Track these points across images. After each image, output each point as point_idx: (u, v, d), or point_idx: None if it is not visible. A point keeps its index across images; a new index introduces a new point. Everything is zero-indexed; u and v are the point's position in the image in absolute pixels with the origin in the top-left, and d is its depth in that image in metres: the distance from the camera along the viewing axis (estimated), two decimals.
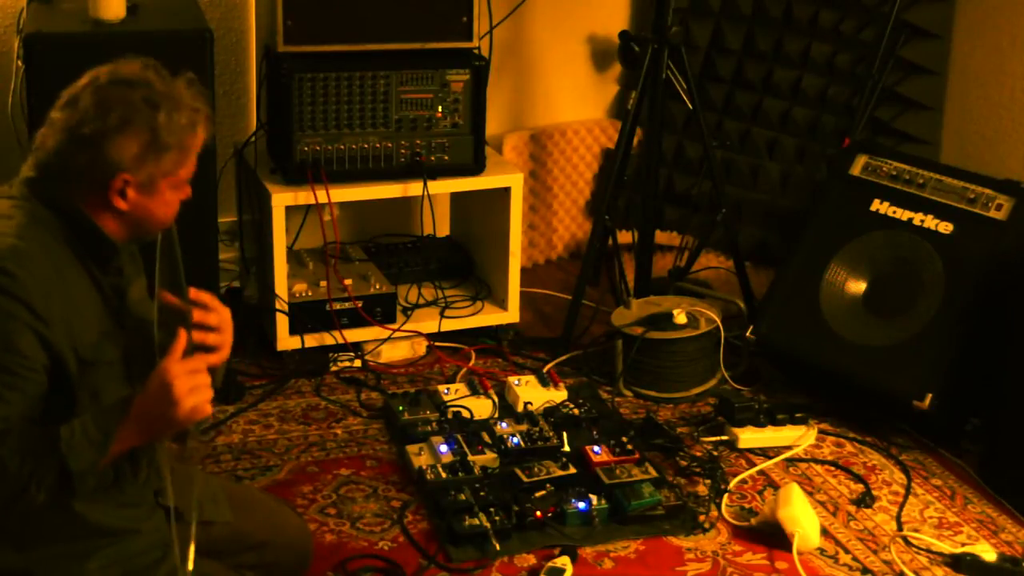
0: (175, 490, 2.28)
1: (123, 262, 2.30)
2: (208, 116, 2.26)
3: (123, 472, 2.19)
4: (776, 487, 3.24)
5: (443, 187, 3.83)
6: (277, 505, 2.71)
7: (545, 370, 3.69)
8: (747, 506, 3.17)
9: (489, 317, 3.98)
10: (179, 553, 2.20)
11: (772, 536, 3.01)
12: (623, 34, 4.35)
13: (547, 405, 3.49)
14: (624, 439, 3.29)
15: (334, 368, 3.73)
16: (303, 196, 3.63)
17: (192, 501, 2.27)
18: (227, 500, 2.51)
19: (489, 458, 3.20)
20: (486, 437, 3.29)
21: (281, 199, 3.62)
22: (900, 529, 3.12)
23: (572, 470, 3.15)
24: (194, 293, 2.23)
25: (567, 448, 3.28)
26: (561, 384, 3.60)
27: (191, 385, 2.08)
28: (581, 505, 3.02)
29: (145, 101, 2.18)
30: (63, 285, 2.13)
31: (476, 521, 2.93)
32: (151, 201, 2.21)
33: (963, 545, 3.03)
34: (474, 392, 3.55)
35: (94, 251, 2.21)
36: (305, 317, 3.70)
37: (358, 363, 3.76)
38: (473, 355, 3.88)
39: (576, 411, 3.49)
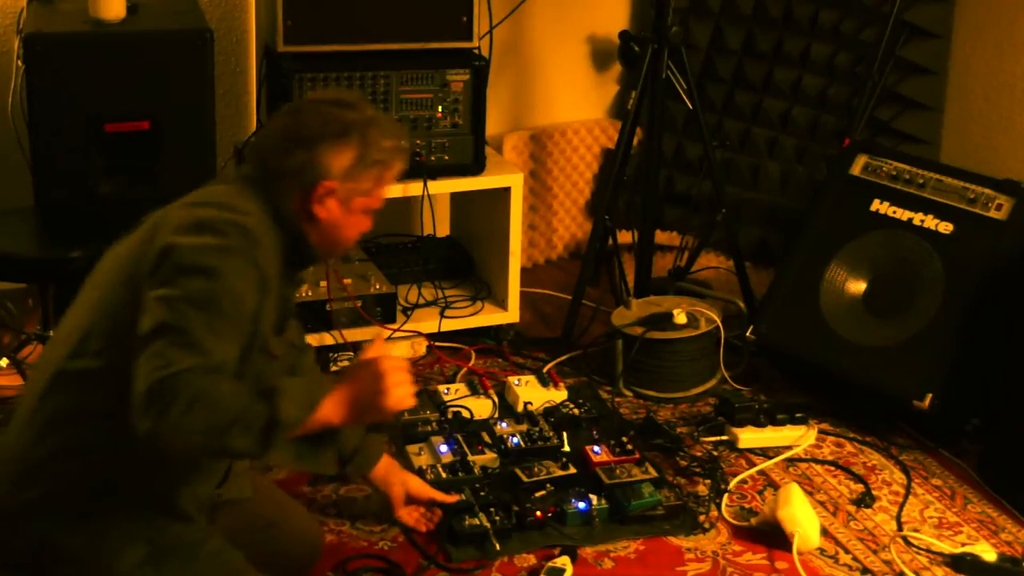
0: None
1: (302, 277, 2.49)
2: (406, 152, 2.46)
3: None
4: (776, 487, 3.24)
5: (443, 187, 3.83)
6: (287, 496, 2.79)
7: (545, 370, 3.69)
8: (747, 506, 3.17)
9: (489, 317, 3.98)
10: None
11: (772, 536, 3.01)
12: (623, 34, 4.35)
13: (547, 405, 3.49)
14: (624, 439, 3.29)
15: (334, 368, 3.73)
16: None
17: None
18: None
19: (489, 458, 3.20)
20: (486, 437, 3.29)
21: None
22: (900, 529, 3.12)
23: (572, 470, 3.15)
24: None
25: (567, 448, 3.28)
26: (561, 384, 3.60)
27: (399, 376, 2.25)
28: (581, 505, 3.02)
29: (360, 121, 2.38)
30: (274, 275, 2.30)
31: (476, 521, 2.94)
32: (345, 218, 2.40)
33: (963, 545, 3.03)
34: (474, 392, 3.55)
35: (296, 255, 2.39)
36: (305, 317, 3.69)
37: None
38: (473, 355, 3.88)
39: (576, 411, 3.49)
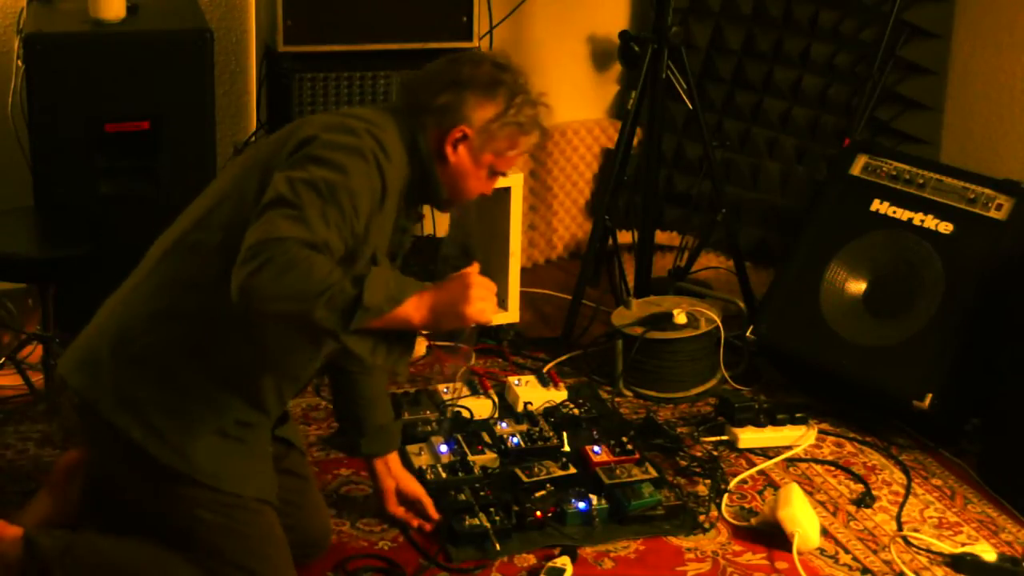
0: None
1: (420, 213, 2.65)
2: (544, 130, 2.59)
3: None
4: (776, 487, 3.24)
5: None
6: (314, 484, 2.91)
7: (545, 370, 3.69)
8: (747, 506, 3.17)
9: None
10: None
11: (772, 536, 3.01)
12: (623, 34, 4.34)
13: (547, 405, 3.49)
14: (624, 439, 3.29)
15: None
16: None
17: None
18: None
19: (489, 458, 3.20)
20: (486, 437, 3.29)
21: None
22: (900, 529, 3.12)
23: (572, 470, 3.15)
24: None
25: (567, 448, 3.28)
26: (561, 384, 3.60)
27: (485, 292, 2.33)
28: (581, 505, 3.02)
29: (512, 83, 2.51)
30: (393, 193, 2.42)
31: (476, 521, 2.93)
32: (471, 169, 2.52)
33: (963, 545, 3.03)
34: (474, 392, 3.55)
35: (419, 189, 2.51)
36: None
37: None
38: (473, 355, 3.87)
39: (576, 411, 3.49)
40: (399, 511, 2.96)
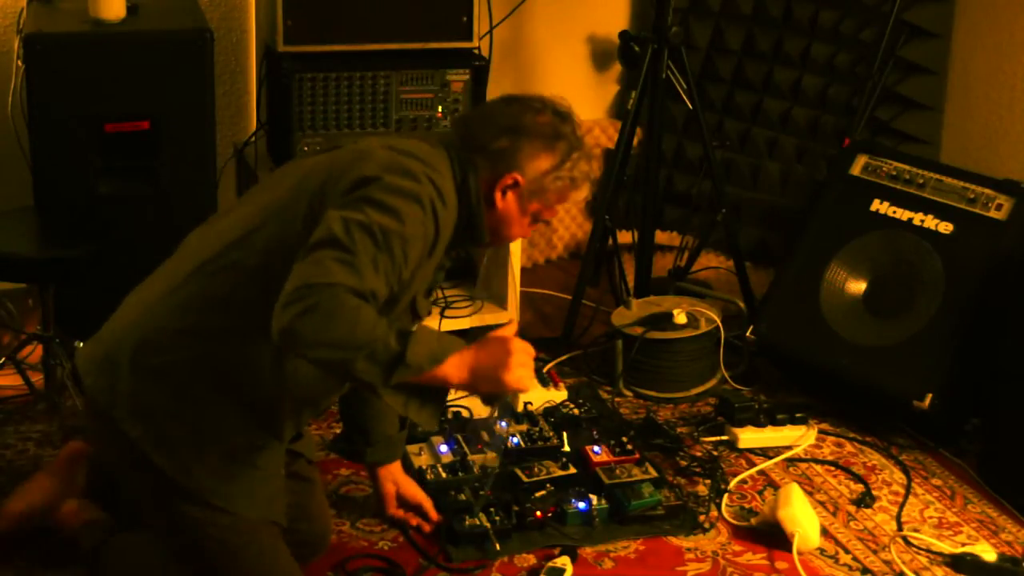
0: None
1: (463, 253, 2.60)
2: (594, 184, 2.59)
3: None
4: (776, 487, 3.24)
5: None
6: (320, 486, 2.89)
7: (545, 370, 3.69)
8: (747, 506, 3.17)
9: (489, 317, 3.97)
10: None
11: (772, 536, 3.01)
12: (623, 34, 4.34)
13: (547, 405, 3.49)
14: (624, 439, 3.29)
15: None
16: None
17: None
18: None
19: (489, 458, 3.20)
20: (486, 437, 3.29)
21: None
22: (900, 529, 3.12)
23: (572, 470, 3.15)
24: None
25: (567, 448, 3.28)
26: (561, 384, 3.60)
27: (525, 359, 2.34)
28: (581, 505, 3.02)
29: (571, 137, 2.48)
30: (445, 237, 2.41)
31: (476, 521, 2.94)
32: (516, 216, 2.49)
33: (963, 545, 3.03)
34: None
35: (465, 229, 2.47)
36: None
37: None
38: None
39: (576, 411, 3.49)
40: (398, 513, 2.96)
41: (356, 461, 3.04)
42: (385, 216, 2.24)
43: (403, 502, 2.96)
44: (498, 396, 2.41)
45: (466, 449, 3.22)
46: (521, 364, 2.32)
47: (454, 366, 2.27)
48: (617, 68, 4.65)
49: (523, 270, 4.12)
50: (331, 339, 2.14)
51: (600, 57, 4.63)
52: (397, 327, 2.21)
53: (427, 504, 2.96)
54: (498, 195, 2.45)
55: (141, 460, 2.38)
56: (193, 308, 2.37)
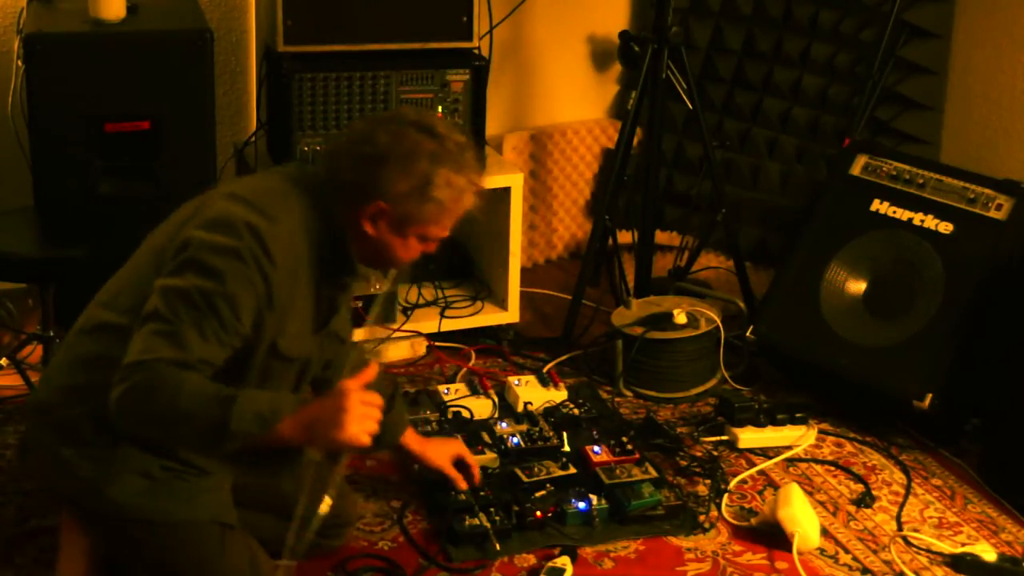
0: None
1: (350, 282, 2.50)
2: (480, 191, 2.44)
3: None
4: (776, 487, 3.24)
5: None
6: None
7: (545, 370, 3.69)
8: (747, 506, 3.17)
9: (489, 317, 3.98)
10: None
11: (772, 536, 3.01)
12: (623, 34, 4.35)
13: (547, 405, 3.49)
14: (624, 439, 3.29)
15: None
16: None
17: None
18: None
19: (489, 458, 3.20)
20: (486, 437, 3.29)
21: None
22: (900, 529, 3.12)
23: (572, 470, 3.15)
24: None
25: (567, 448, 3.28)
26: (561, 384, 3.60)
27: (364, 412, 2.25)
28: (581, 505, 3.02)
29: (432, 154, 2.34)
30: (295, 280, 2.33)
31: (476, 521, 2.93)
32: (396, 240, 2.40)
33: (963, 545, 3.03)
34: (474, 392, 3.55)
35: (333, 261, 2.40)
36: None
37: None
38: (473, 355, 3.88)
39: (576, 411, 3.49)
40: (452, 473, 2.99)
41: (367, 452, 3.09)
42: (203, 279, 2.22)
43: (430, 472, 3.00)
44: (340, 451, 2.35)
45: None
46: (358, 419, 2.24)
47: (288, 429, 2.23)
48: (617, 68, 4.65)
49: (523, 270, 4.12)
50: (154, 416, 2.18)
51: (600, 57, 4.63)
52: (225, 393, 2.19)
53: (454, 475, 2.98)
54: (367, 225, 2.37)
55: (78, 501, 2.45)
56: (78, 368, 2.41)
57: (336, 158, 2.39)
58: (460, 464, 3.02)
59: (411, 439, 2.98)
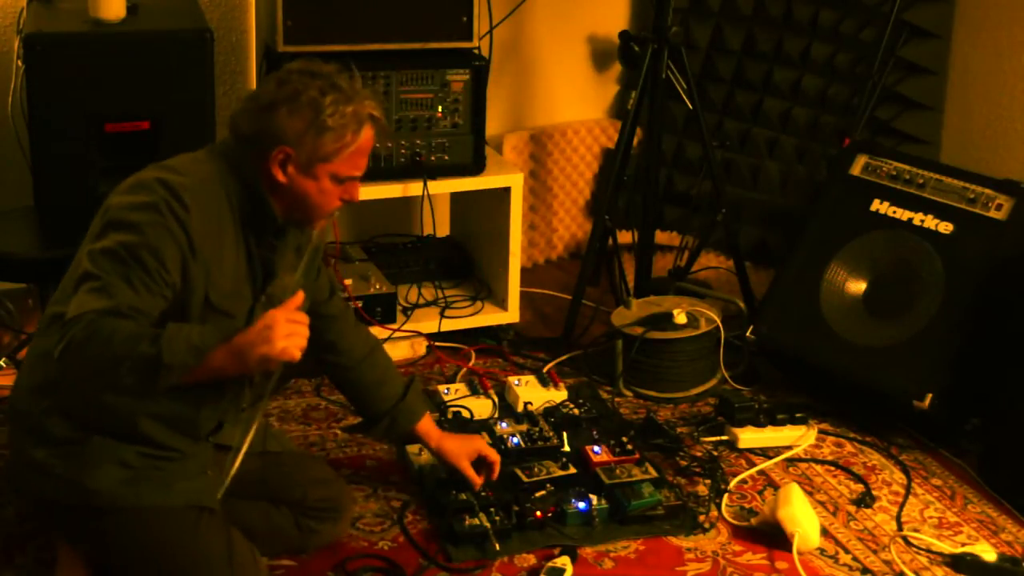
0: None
1: (284, 245, 2.57)
2: (381, 126, 2.49)
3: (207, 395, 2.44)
4: (776, 487, 3.24)
5: (443, 187, 3.83)
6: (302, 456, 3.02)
7: (545, 370, 3.69)
8: (747, 506, 3.17)
9: (489, 317, 3.98)
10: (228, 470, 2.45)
11: (772, 536, 3.01)
12: (623, 34, 4.35)
13: (547, 405, 3.49)
14: (624, 439, 3.29)
15: None
16: None
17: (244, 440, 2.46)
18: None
19: None
20: (486, 437, 3.29)
21: None
22: (900, 529, 3.12)
23: (572, 470, 3.15)
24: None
25: (567, 448, 3.28)
26: (561, 384, 3.61)
27: (290, 330, 2.29)
28: (581, 505, 3.02)
29: (319, 88, 2.42)
30: (219, 236, 2.42)
31: (476, 521, 2.93)
32: (308, 183, 2.46)
33: (963, 545, 3.03)
34: (474, 392, 3.55)
35: (256, 218, 2.48)
36: None
37: None
38: (473, 355, 3.88)
39: (576, 411, 3.49)
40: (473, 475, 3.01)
41: (392, 441, 3.21)
42: (124, 233, 2.31)
43: (445, 468, 3.03)
44: (271, 371, 2.39)
45: None
46: (286, 334, 2.28)
47: (221, 357, 2.29)
48: (617, 68, 4.66)
49: (523, 270, 4.12)
50: (93, 364, 2.23)
51: (600, 57, 4.63)
52: (155, 332, 2.25)
53: (470, 473, 2.99)
54: (278, 173, 2.44)
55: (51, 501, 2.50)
56: (38, 366, 2.47)
57: (235, 118, 2.48)
58: (480, 461, 3.02)
59: (429, 431, 3.00)
